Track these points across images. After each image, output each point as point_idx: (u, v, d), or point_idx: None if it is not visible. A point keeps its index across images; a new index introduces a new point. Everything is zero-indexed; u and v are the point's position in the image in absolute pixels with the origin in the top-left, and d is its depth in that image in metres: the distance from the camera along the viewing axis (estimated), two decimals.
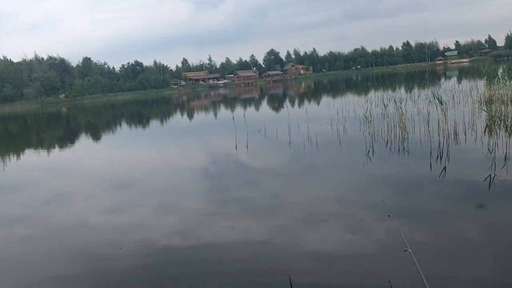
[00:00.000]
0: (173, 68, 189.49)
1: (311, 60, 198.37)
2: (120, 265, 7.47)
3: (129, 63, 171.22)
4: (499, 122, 16.35)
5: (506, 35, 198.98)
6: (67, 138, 33.60)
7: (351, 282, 6.11)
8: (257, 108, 48.51)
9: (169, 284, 6.57)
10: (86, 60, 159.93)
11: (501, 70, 27.58)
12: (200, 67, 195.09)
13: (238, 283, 6.39)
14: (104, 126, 43.20)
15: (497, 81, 23.73)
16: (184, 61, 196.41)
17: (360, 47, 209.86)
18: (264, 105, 54.01)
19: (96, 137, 32.70)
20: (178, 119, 45.93)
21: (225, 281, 6.51)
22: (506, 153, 12.44)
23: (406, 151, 14.59)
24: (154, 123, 42.24)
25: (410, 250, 5.09)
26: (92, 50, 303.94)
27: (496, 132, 15.44)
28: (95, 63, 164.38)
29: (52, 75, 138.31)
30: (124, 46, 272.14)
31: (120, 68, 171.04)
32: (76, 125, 48.83)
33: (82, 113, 74.09)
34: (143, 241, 8.49)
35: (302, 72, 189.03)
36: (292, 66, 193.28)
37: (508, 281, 5.82)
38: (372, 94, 34.87)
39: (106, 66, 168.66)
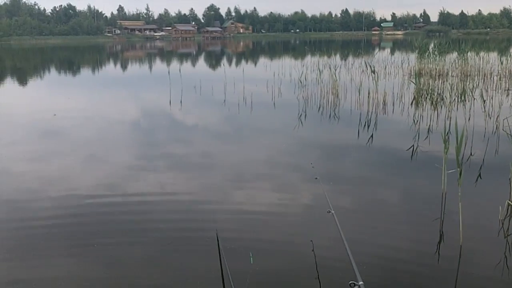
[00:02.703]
0: (108, 15, 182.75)
1: (251, 20, 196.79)
2: (43, 215, 7.30)
3: (61, 5, 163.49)
4: (425, 95, 17.09)
5: (440, 11, 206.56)
6: None
7: (276, 239, 6.33)
8: (193, 64, 47.82)
9: (94, 236, 6.51)
10: None
11: (432, 45, 28.63)
12: (137, 17, 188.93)
13: (164, 237, 6.45)
14: (32, 71, 41.11)
15: (428, 55, 24.64)
16: (120, 9, 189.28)
17: (300, 11, 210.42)
18: (201, 62, 53.31)
19: (22, 82, 31.13)
20: (111, 69, 44.51)
21: (152, 235, 6.54)
22: (429, 125, 13.07)
23: (337, 117, 14.99)
24: (86, 72, 40.66)
25: (333, 212, 5.30)
26: None
27: (422, 105, 16.15)
28: (25, 2, 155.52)
29: None
30: None
31: (52, 10, 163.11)
32: (0, 68, 46.06)
33: (8, 55, 70.03)
34: (68, 192, 8.30)
35: (241, 31, 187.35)
36: (232, 24, 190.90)
37: (418, 241, 6.24)
38: (308, 59, 35.21)
39: (36, 7, 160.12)
